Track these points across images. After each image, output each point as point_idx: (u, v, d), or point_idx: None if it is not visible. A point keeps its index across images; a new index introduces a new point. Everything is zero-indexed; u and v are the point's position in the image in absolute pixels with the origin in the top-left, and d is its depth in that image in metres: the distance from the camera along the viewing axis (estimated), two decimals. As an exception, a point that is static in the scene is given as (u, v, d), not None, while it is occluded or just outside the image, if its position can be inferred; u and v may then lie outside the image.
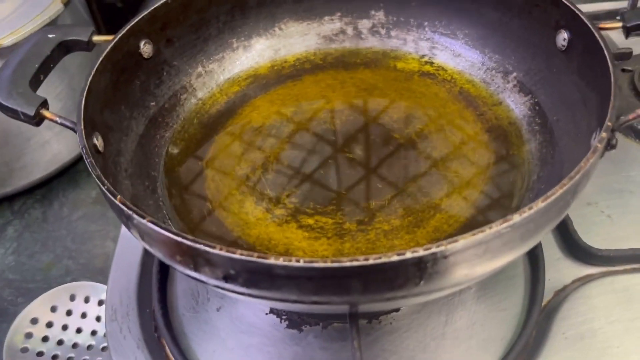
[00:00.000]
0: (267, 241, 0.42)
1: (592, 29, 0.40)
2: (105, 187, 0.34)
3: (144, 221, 0.32)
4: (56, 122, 0.40)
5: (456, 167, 0.45)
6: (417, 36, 0.55)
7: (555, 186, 0.31)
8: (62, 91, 0.67)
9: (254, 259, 0.29)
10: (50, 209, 0.71)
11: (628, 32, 0.42)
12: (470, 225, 0.41)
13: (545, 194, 0.31)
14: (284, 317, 0.45)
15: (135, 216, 0.32)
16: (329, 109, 0.51)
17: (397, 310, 0.45)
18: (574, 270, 0.47)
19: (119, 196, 0.33)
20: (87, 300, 0.59)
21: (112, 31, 0.92)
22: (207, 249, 0.30)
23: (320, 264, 0.29)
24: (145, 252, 0.51)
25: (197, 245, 0.30)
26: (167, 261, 0.34)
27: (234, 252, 0.30)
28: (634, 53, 0.62)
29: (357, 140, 0.48)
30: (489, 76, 0.51)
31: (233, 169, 0.47)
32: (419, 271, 0.30)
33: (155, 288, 0.48)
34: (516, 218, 0.30)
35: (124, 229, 0.54)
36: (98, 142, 0.41)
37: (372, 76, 0.54)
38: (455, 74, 0.52)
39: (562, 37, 0.44)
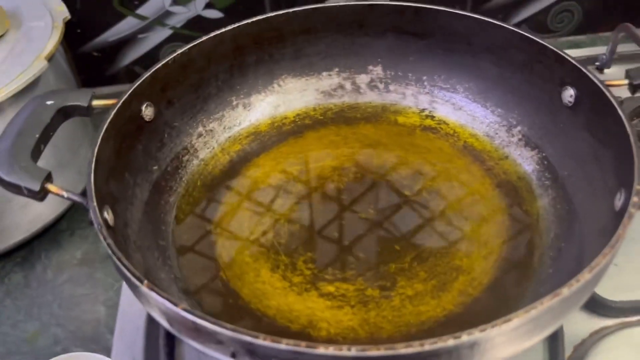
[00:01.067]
0: (289, 312, 0.40)
1: (603, 89, 0.41)
2: (130, 272, 0.32)
3: (177, 309, 0.30)
4: (62, 196, 0.38)
5: (472, 225, 0.45)
6: (416, 90, 0.55)
7: (598, 256, 0.31)
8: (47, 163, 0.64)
9: (302, 348, 0.28)
10: (32, 273, 0.68)
11: (635, 89, 0.43)
12: (495, 287, 0.41)
13: (589, 265, 0.31)
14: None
15: (168, 304, 0.30)
16: (335, 166, 0.51)
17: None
18: (589, 323, 0.47)
19: (145, 282, 0.31)
20: (81, 372, 0.56)
21: (88, 83, 0.89)
22: (250, 339, 0.29)
23: (374, 352, 0.27)
24: (150, 320, 0.49)
25: (239, 336, 0.29)
26: (201, 348, 0.32)
27: (279, 342, 0.28)
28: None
29: (367, 199, 0.48)
30: (492, 130, 0.51)
31: (243, 234, 0.45)
32: (471, 351, 0.29)
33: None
34: (565, 292, 0.29)
35: (124, 294, 0.51)
36: (109, 216, 0.39)
37: (375, 131, 0.53)
38: (457, 128, 0.53)
39: (569, 94, 0.45)
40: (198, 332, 0.31)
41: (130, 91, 0.45)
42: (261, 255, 0.44)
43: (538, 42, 0.46)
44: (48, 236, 0.72)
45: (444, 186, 0.48)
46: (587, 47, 0.76)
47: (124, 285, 0.51)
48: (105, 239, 0.34)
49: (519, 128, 0.50)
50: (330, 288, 0.41)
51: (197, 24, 0.76)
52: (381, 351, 0.27)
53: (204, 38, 0.50)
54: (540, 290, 0.39)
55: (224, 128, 0.53)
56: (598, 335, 0.46)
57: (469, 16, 0.50)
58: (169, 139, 0.49)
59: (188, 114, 0.51)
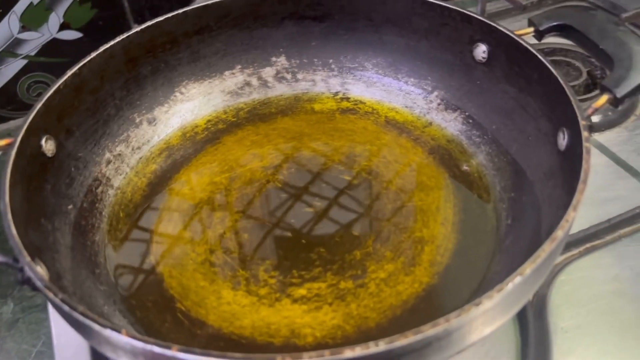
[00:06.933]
0: (266, 327, 0.37)
1: (518, 39, 0.42)
2: (93, 320, 0.27)
3: (170, 351, 0.26)
4: (-20, 260, 0.32)
5: (419, 196, 0.45)
6: (325, 75, 0.54)
7: (575, 193, 0.31)
8: None
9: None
10: None
11: (541, 35, 0.45)
12: (462, 249, 0.41)
13: (553, 230, 0.30)
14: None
15: (157, 348, 0.26)
16: (265, 166, 0.48)
17: None
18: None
19: (123, 330, 0.27)
20: None
21: None
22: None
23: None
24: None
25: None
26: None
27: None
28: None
29: (310, 191, 0.46)
30: (409, 100, 0.51)
31: (190, 258, 0.41)
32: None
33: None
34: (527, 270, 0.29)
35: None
36: (43, 270, 0.33)
37: (294, 123, 0.51)
38: (375, 105, 0.52)
39: (482, 50, 0.46)
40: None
41: (25, 126, 0.39)
42: (216, 276, 0.40)
43: (441, 5, 0.47)
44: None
45: (380, 163, 0.47)
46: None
47: (56, 346, 0.45)
48: (55, 294, 0.29)
49: (435, 93, 0.50)
50: (302, 291, 0.39)
51: (54, 49, 0.68)
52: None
53: (93, 55, 0.45)
54: (506, 242, 0.40)
55: (133, 149, 0.48)
56: (550, 276, 0.48)
57: (366, -9, 0.50)
58: (76, 172, 0.44)
59: (91, 141, 0.45)
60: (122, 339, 0.27)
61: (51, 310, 0.47)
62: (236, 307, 0.38)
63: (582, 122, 0.36)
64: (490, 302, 0.27)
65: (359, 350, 0.25)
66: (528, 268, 0.28)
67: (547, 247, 0.29)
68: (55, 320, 0.46)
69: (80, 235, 0.41)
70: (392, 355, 0.26)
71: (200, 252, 0.42)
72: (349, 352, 0.25)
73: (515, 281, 0.28)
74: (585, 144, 0.34)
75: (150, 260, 0.41)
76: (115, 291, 0.39)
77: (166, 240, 0.43)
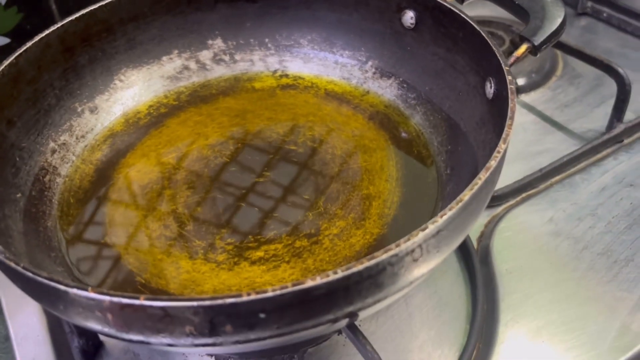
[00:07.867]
0: (227, 290, 0.38)
1: (442, 2, 0.45)
2: (56, 281, 0.28)
3: (139, 301, 0.27)
4: None
5: (363, 157, 0.47)
6: (262, 54, 0.55)
7: (493, 151, 0.33)
8: None
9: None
10: None
11: (463, -1, 0.48)
12: (408, 200, 0.43)
13: (487, 163, 0.32)
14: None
15: (126, 300, 0.27)
16: (211, 144, 0.49)
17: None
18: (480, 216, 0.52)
19: (90, 287, 0.27)
20: None
21: None
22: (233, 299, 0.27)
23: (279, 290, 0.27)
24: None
25: (215, 301, 0.27)
26: (169, 340, 0.29)
27: (264, 292, 0.27)
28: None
29: (258, 162, 0.47)
30: (346, 72, 0.53)
31: (145, 235, 0.42)
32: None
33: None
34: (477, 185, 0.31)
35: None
36: (-1, 249, 0.33)
37: (236, 102, 0.52)
38: (314, 79, 0.54)
39: (409, 17, 0.49)
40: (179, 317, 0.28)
41: (-36, 116, 0.38)
42: (173, 249, 0.41)
43: (367, -23, 0.49)
44: None
45: (324, 132, 0.49)
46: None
47: (14, 339, 0.44)
48: (17, 264, 0.29)
49: (370, 63, 0.53)
50: (259, 253, 0.40)
51: (-17, 57, 0.67)
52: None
53: (29, 44, 0.45)
54: (447, 190, 0.42)
55: (77, 138, 0.48)
56: (492, 224, 0.51)
57: (294, -31, 0.51)
58: (21, 162, 0.43)
59: (33, 131, 0.45)
60: (90, 295, 0.27)
61: (5, 304, 0.46)
62: (196, 275, 0.39)
63: (505, 68, 0.38)
64: (435, 226, 0.29)
65: (319, 279, 0.27)
66: (467, 195, 0.30)
67: (482, 176, 0.31)
68: (11, 312, 0.46)
69: (32, 222, 0.41)
70: (350, 283, 0.28)
71: (155, 228, 0.42)
72: (310, 282, 0.27)
73: (457, 207, 0.30)
74: (510, 86, 0.37)
75: (105, 241, 0.42)
76: (73, 271, 0.39)
77: (119, 221, 0.43)
